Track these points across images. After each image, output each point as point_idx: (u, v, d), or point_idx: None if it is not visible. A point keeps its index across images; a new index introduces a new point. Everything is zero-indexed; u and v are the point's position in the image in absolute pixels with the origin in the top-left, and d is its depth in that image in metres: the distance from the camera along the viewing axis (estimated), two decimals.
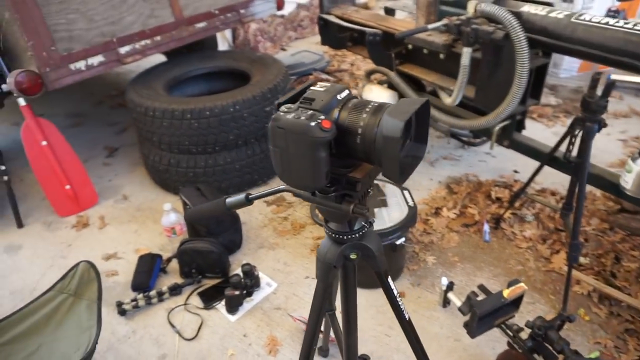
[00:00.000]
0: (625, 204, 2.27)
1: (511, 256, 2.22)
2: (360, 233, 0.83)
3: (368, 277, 2.14)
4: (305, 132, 0.64)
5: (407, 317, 1.01)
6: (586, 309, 1.92)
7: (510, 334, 1.54)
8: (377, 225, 1.89)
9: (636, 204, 1.80)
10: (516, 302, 1.56)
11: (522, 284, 1.52)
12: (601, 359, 1.31)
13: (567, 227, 2.01)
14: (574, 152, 1.88)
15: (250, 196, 0.87)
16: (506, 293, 1.49)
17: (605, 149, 2.97)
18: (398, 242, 1.91)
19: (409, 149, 0.73)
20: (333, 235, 0.83)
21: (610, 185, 1.86)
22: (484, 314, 1.47)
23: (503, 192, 2.53)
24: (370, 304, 2.02)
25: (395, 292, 0.92)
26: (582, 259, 2.10)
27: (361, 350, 1.90)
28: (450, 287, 1.82)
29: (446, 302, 1.92)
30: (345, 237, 0.82)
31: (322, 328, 1.63)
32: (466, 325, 1.53)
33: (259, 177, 2.80)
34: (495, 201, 2.50)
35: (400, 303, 0.95)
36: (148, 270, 2.14)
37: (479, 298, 1.57)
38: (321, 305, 0.95)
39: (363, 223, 0.83)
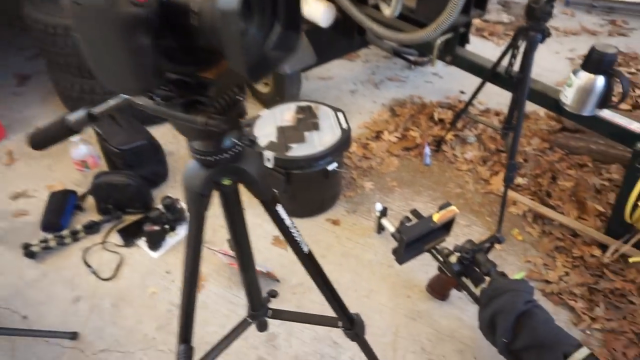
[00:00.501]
0: (567, 122, 2.21)
1: (451, 179, 2.15)
2: (233, 153, 0.66)
3: (298, 206, 2.06)
4: (108, 6, 0.45)
5: (306, 249, 0.88)
6: (520, 229, 1.90)
7: (440, 258, 1.48)
8: (307, 150, 1.74)
9: (575, 120, 1.72)
10: (447, 226, 1.49)
11: (453, 207, 1.44)
12: (526, 279, 1.26)
13: (506, 146, 1.94)
14: (517, 67, 1.75)
15: (92, 112, 0.68)
16: (436, 217, 1.41)
17: (552, 68, 2.88)
18: (330, 168, 1.78)
19: (277, 39, 0.55)
20: (198, 156, 0.66)
21: (552, 102, 1.77)
22: (411, 240, 1.40)
23: (446, 114, 2.42)
24: (303, 233, 1.92)
25: (287, 222, 0.78)
26: (520, 180, 2.06)
27: (290, 283, 1.84)
28: (383, 212, 1.74)
29: (380, 229, 1.84)
30: (213, 159, 0.66)
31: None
32: (394, 252, 1.46)
33: None
34: (437, 123, 2.39)
35: (295, 235, 0.82)
36: (59, 208, 1.94)
37: (411, 223, 1.48)
38: (196, 239, 0.81)
39: (236, 141, 0.66)
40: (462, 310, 1.63)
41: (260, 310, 1.03)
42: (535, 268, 1.74)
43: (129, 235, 1.90)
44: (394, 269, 1.77)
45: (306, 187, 1.86)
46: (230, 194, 0.73)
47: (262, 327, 1.05)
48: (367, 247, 1.86)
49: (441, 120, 2.38)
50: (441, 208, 1.43)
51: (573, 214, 1.88)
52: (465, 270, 1.40)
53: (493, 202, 2.02)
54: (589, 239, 1.79)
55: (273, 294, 1.10)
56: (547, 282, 1.69)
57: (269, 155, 1.72)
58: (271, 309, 1.07)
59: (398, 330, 1.58)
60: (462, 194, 2.07)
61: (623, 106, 2.34)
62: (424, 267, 1.77)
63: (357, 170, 2.20)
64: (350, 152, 2.29)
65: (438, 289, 1.61)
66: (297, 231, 0.83)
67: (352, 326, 1.03)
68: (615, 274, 1.66)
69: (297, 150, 1.74)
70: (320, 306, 1.66)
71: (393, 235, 1.56)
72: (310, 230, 1.94)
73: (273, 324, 1.36)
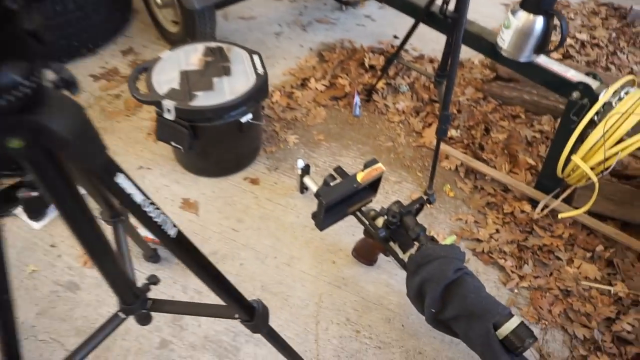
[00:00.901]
0: (501, 69, 2.09)
1: (382, 132, 1.98)
2: (16, 99, 0.41)
3: (211, 164, 1.73)
4: None
5: (173, 233, 0.65)
6: (452, 185, 1.79)
7: (366, 222, 1.33)
8: (215, 99, 1.48)
9: (511, 67, 1.58)
10: (374, 185, 1.33)
11: (379, 165, 1.27)
12: (456, 245, 1.14)
13: (439, 96, 1.79)
14: (452, 6, 1.57)
15: None
16: (360, 177, 1.23)
17: (490, 14, 2.74)
18: (244, 120, 1.54)
19: None
20: None
21: (488, 47, 1.61)
22: (332, 203, 1.22)
23: (378, 60, 2.22)
24: (217, 195, 1.70)
25: (137, 198, 0.55)
26: (453, 132, 1.94)
27: (204, 249, 1.61)
28: (306, 170, 1.54)
29: (304, 188, 1.65)
30: None
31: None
32: (314, 216, 1.28)
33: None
34: (368, 70, 2.19)
35: (153, 214, 0.59)
36: None
37: (334, 183, 1.30)
38: None
39: (20, 78, 0.40)
40: (390, 275, 1.51)
41: (135, 303, 0.81)
42: (466, 226, 1.65)
43: (2, 203, 1.57)
44: (318, 232, 1.61)
45: (217, 143, 1.61)
46: (40, 161, 0.48)
47: (144, 320, 0.84)
48: (289, 208, 1.68)
49: (372, 67, 2.18)
50: (366, 166, 1.26)
51: (505, 167, 1.79)
52: (392, 235, 1.26)
53: (425, 157, 1.89)
54: (519, 194, 1.72)
55: (153, 281, 0.87)
56: (478, 240, 1.61)
57: (168, 105, 1.44)
58: (151, 299, 0.86)
59: (321, 299, 1.44)
60: (393, 148, 1.91)
61: (554, 55, 2.26)
62: (351, 229, 1.62)
63: (280, 122, 1.97)
64: (272, 102, 2.04)
65: (364, 254, 1.47)
66: (157, 208, 0.60)
67: (252, 317, 0.85)
68: (544, 230, 1.61)
69: (204, 99, 1.48)
70: (235, 277, 1.48)
71: (316, 195, 1.38)
72: (225, 192, 1.71)
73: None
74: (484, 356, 1.08)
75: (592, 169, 1.37)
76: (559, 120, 1.90)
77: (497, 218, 1.66)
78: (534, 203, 1.67)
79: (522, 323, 1.04)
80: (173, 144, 1.54)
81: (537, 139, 1.91)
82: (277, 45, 2.40)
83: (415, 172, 1.83)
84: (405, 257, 1.25)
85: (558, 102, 1.96)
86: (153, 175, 1.76)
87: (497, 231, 1.62)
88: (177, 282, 1.46)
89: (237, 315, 0.84)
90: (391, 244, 1.28)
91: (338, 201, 1.24)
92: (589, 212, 1.59)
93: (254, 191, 1.72)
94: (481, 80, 2.18)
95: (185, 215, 1.63)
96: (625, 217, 1.59)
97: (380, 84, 2.07)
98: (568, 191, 1.56)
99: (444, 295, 1.12)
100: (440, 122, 1.57)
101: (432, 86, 2.09)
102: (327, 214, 1.25)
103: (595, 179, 1.34)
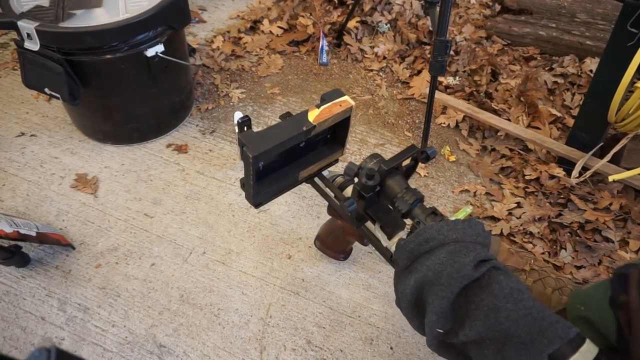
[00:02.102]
0: (509, 0, 1.63)
1: (357, 82, 1.51)
2: None
3: (118, 124, 1.19)
4: None
5: None
6: (452, 147, 1.32)
7: (330, 192, 0.85)
8: (101, 18, 0.98)
9: None
10: (339, 135, 0.85)
11: (345, 98, 0.79)
12: (476, 219, 0.66)
13: (432, 21, 1.32)
14: None
15: None
16: (313, 115, 0.75)
17: None
18: (150, 53, 1.04)
19: None
20: None
21: None
22: (268, 160, 0.74)
23: None
24: (126, 168, 1.21)
25: None
26: (450, 79, 1.47)
27: (96, 248, 1.11)
28: (246, 124, 1.05)
29: None
30: None
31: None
32: (242, 184, 0.79)
33: None
34: (337, 6, 1.70)
35: None
36: None
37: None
38: None
39: None
40: (372, 273, 1.04)
41: None
42: (476, 200, 1.19)
43: None
44: (268, 214, 1.13)
45: (116, 90, 1.11)
46: None
47: None
48: (227, 183, 1.19)
49: (342, 3, 1.69)
50: (324, 100, 0.77)
51: (523, 120, 1.33)
52: (369, 211, 0.78)
53: (415, 112, 1.42)
54: (545, 155, 1.26)
55: None
56: (494, 219, 1.15)
57: (27, 27, 0.94)
58: None
59: (270, 314, 0.96)
60: (373, 102, 1.44)
61: None
62: (315, 209, 1.15)
63: (222, 73, 1.48)
64: (212, 50, 1.55)
65: (332, 244, 0.99)
66: None
67: None
68: (585, 202, 1.15)
69: (82, 19, 0.98)
70: (142, 284, 0.99)
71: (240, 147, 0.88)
72: (140, 164, 1.22)
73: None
74: None
75: None
76: (587, 59, 1.45)
77: (517, 188, 1.20)
78: (566, 166, 1.21)
79: (601, 354, 0.58)
80: (47, 91, 1.05)
81: (560, 85, 1.45)
82: None
83: (403, 131, 1.36)
84: (391, 245, 0.78)
85: (584, 37, 1.50)
86: (39, 144, 1.26)
87: (519, 205, 1.16)
88: (52, 296, 0.97)
89: None
90: (368, 224, 0.81)
91: (279, 157, 0.76)
92: None
93: (180, 162, 1.23)
94: (483, 16, 1.71)
95: (78, 196, 1.14)
96: None
97: (353, 23, 1.59)
98: (619, 145, 1.10)
99: (458, 306, 0.65)
100: (435, 53, 1.09)
101: (421, 22, 1.61)
102: (263, 179, 0.77)
103: None
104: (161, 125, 1.27)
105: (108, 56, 1.01)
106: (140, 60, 1.05)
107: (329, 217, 0.97)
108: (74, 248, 1.04)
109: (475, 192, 1.20)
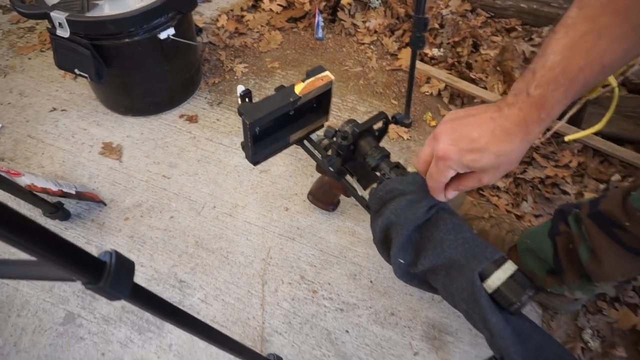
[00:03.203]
0: None
1: (349, 55, 1.65)
2: None
3: (137, 99, 1.36)
4: None
5: None
6: (434, 113, 1.47)
7: (317, 153, 1.02)
8: (121, 7, 1.14)
9: None
10: (323, 104, 1.01)
11: (326, 73, 0.95)
12: None
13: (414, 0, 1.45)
14: None
15: None
16: (299, 88, 0.92)
17: None
18: (163, 36, 1.21)
19: None
20: None
21: None
22: (263, 125, 0.91)
23: None
24: (145, 137, 1.39)
25: None
26: (435, 51, 1.60)
27: (124, 204, 1.30)
28: (247, 96, 1.22)
29: None
30: None
31: None
32: (243, 146, 0.97)
33: None
34: None
35: None
36: None
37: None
38: None
39: None
40: (356, 222, 1.22)
41: None
42: None
43: None
44: (269, 174, 1.31)
45: (134, 69, 1.28)
46: None
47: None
48: (233, 148, 1.37)
49: None
50: (309, 75, 0.94)
51: (498, 88, 1.47)
52: (347, 166, 0.95)
53: (401, 82, 1.57)
54: None
55: None
56: None
57: (58, 17, 1.11)
58: None
59: (270, 255, 1.15)
60: (363, 73, 1.59)
61: None
62: (309, 169, 1.32)
63: (227, 50, 1.64)
64: (217, 28, 1.70)
65: (322, 197, 1.17)
66: None
67: (100, 277, 0.55)
68: (547, 159, 1.31)
69: (105, 9, 1.15)
70: (163, 233, 1.19)
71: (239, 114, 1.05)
72: (156, 133, 1.40)
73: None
74: (470, 317, 0.80)
75: None
76: None
77: None
78: None
79: (518, 271, 0.75)
80: (77, 71, 1.22)
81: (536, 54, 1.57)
82: None
83: (390, 99, 1.51)
84: (366, 194, 0.96)
85: (561, 9, 1.61)
86: (69, 118, 1.44)
87: None
88: (90, 243, 1.17)
89: (76, 277, 0.54)
90: (348, 178, 0.98)
91: (272, 124, 0.93)
92: (603, 135, 1.29)
93: (192, 130, 1.41)
94: None
95: (106, 162, 1.33)
96: None
97: (347, 0, 1.72)
98: (574, 108, 1.25)
99: (415, 241, 0.83)
100: (414, 29, 1.23)
101: None
102: (260, 141, 0.94)
103: (614, 82, 1.03)
104: (174, 99, 1.44)
105: (127, 40, 1.17)
106: (155, 43, 1.21)
107: (319, 175, 1.14)
108: (105, 204, 1.24)
109: None
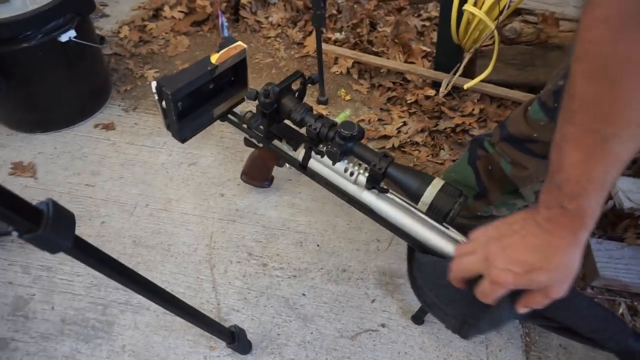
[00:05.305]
0: None
1: (258, 49, 1.70)
2: None
3: (43, 112, 1.30)
4: None
5: None
6: (347, 89, 1.56)
7: (244, 125, 1.04)
8: (10, 11, 1.09)
9: None
10: (240, 75, 1.04)
11: (239, 43, 0.99)
12: (352, 121, 0.88)
13: None
14: None
15: None
16: (215, 57, 0.94)
17: None
18: (64, 39, 1.17)
19: None
20: None
21: None
22: (186, 98, 0.92)
23: None
24: (60, 150, 1.32)
25: None
26: (337, 34, 1.70)
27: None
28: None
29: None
30: None
31: None
32: (167, 125, 0.96)
33: None
34: None
35: None
36: None
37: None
38: None
39: None
40: (293, 195, 1.25)
41: None
42: (371, 126, 1.43)
43: None
44: (198, 166, 1.30)
45: (37, 78, 1.22)
46: None
47: None
48: (157, 147, 1.34)
49: None
50: (221, 47, 0.96)
51: (399, 57, 1.59)
52: (273, 129, 0.98)
53: (311, 66, 1.64)
54: (420, 82, 1.53)
55: None
56: (386, 137, 1.39)
57: None
58: None
59: (213, 239, 1.14)
60: (274, 63, 1.64)
61: None
62: (238, 155, 1.33)
63: (134, 58, 1.61)
64: (120, 39, 1.67)
65: (255, 174, 1.19)
66: None
67: (38, 226, 0.53)
68: (454, 111, 1.44)
69: None
70: (96, 239, 1.13)
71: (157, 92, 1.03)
72: (72, 145, 1.33)
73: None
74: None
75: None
76: None
77: (402, 111, 1.46)
78: (437, 87, 1.49)
79: (446, 184, 0.82)
80: None
81: (428, 27, 1.73)
82: None
83: None
84: (298, 155, 0.99)
85: None
86: None
87: (405, 124, 1.42)
88: (14, 264, 1.08)
89: (12, 225, 0.51)
90: (277, 142, 1.01)
91: (194, 99, 0.94)
92: (495, 82, 1.44)
93: (110, 137, 1.36)
94: None
95: (18, 181, 1.24)
96: (530, 79, 1.46)
97: None
98: (464, 61, 1.39)
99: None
100: (314, 7, 1.31)
101: None
102: (185, 117, 0.94)
103: (492, 25, 1.17)
104: (85, 109, 1.39)
105: (24, 45, 1.12)
106: (56, 47, 1.17)
107: (249, 155, 1.16)
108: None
109: (369, 120, 1.44)
